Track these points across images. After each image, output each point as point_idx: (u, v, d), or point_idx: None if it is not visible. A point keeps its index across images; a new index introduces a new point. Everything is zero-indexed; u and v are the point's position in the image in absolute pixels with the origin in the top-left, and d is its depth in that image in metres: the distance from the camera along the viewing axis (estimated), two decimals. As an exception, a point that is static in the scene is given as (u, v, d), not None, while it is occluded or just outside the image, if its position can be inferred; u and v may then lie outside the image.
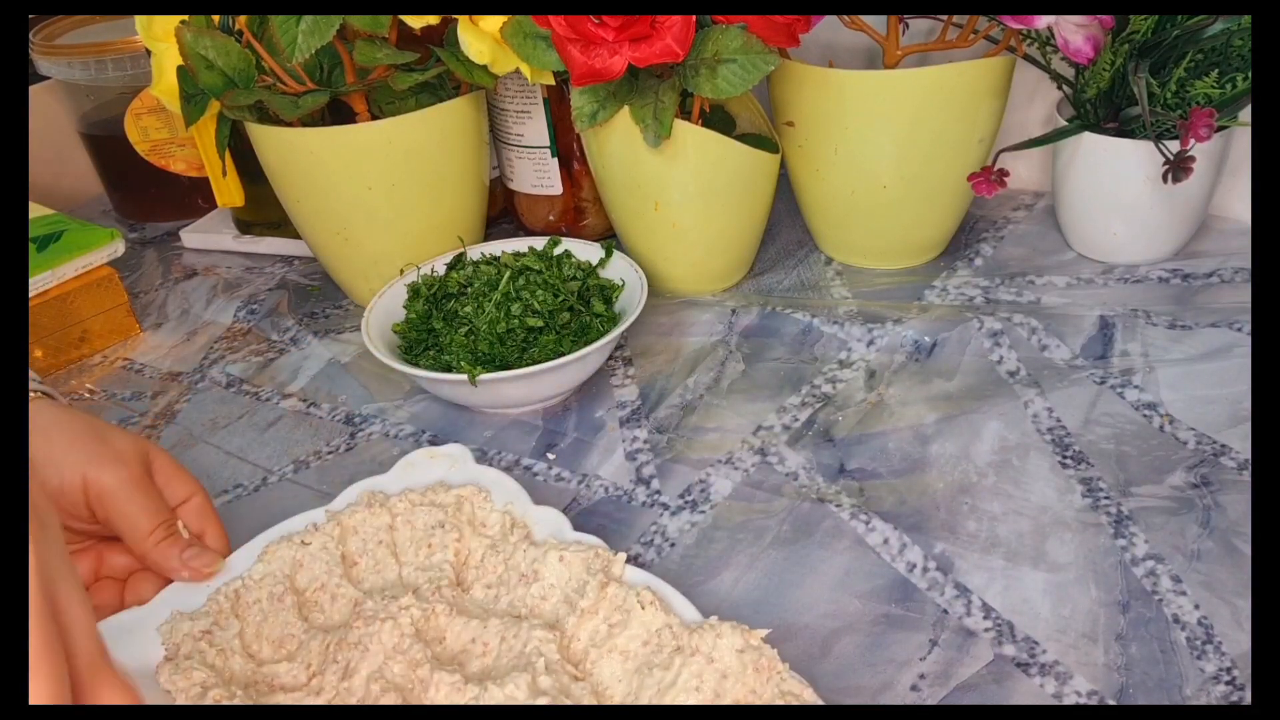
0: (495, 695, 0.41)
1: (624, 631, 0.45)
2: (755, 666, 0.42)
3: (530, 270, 0.68)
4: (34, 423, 0.45)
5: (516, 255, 0.70)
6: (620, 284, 0.69)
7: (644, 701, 0.42)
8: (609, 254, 0.70)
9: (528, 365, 0.61)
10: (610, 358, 0.70)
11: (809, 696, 0.41)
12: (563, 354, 0.62)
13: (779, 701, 0.41)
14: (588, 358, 0.62)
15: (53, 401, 0.47)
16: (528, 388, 0.63)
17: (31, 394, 0.47)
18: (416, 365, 0.63)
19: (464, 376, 0.60)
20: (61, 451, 0.45)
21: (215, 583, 0.48)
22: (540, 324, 0.64)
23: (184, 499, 0.50)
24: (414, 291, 0.69)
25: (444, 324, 0.66)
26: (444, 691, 0.42)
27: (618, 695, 0.43)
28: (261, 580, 0.48)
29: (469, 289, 0.67)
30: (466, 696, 0.42)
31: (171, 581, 0.48)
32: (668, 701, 0.42)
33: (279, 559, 0.49)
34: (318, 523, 0.51)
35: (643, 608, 0.45)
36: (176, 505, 0.49)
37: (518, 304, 0.65)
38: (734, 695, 0.42)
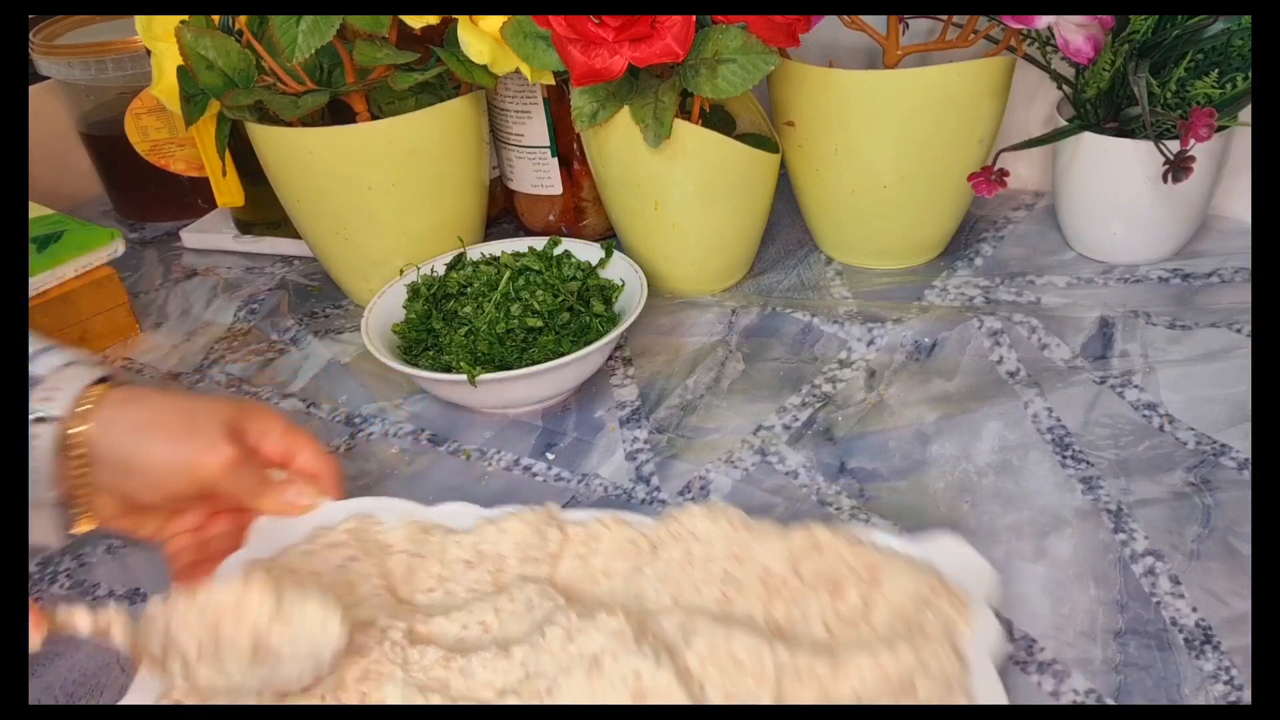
0: (555, 636, 0.43)
1: (597, 558, 0.48)
2: (730, 524, 0.48)
3: (530, 270, 0.68)
4: (129, 419, 0.47)
5: (516, 255, 0.70)
6: (620, 284, 0.69)
7: (650, 600, 0.46)
8: (609, 254, 0.70)
9: (527, 365, 0.61)
10: (610, 358, 0.70)
11: (771, 528, 0.48)
12: (562, 354, 0.62)
13: (761, 539, 0.47)
14: (588, 358, 0.62)
15: (128, 388, 0.49)
16: (527, 388, 0.63)
17: (99, 383, 0.48)
18: (416, 365, 0.63)
19: (463, 377, 0.60)
20: (161, 451, 0.48)
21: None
22: (540, 324, 0.64)
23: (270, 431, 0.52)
24: (414, 292, 0.69)
25: (444, 324, 0.66)
26: (493, 667, 0.43)
27: (621, 610, 0.44)
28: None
29: (469, 289, 0.67)
30: (516, 660, 0.43)
31: None
32: (671, 586, 0.47)
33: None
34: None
35: (608, 528, 0.48)
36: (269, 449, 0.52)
37: (517, 304, 0.65)
38: (722, 551, 0.47)
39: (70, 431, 0.46)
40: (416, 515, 0.52)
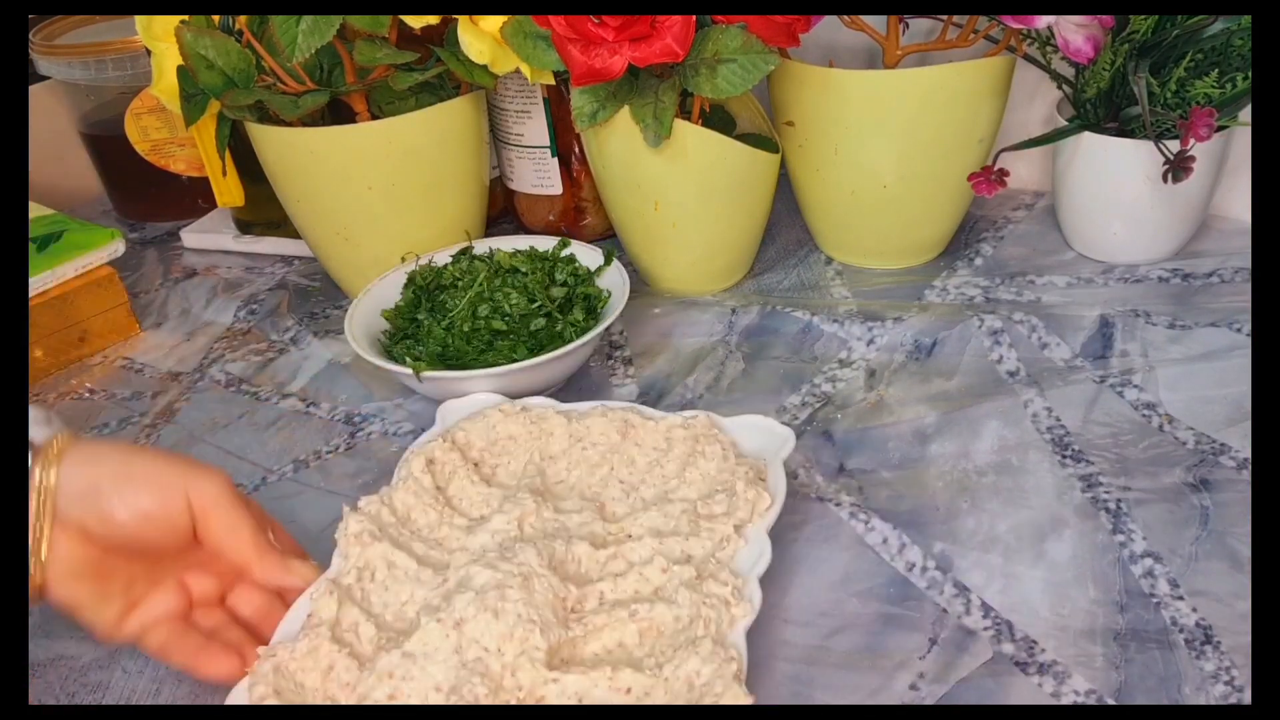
0: None
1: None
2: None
3: (518, 272, 0.67)
4: (108, 451, 0.46)
5: (513, 253, 0.69)
6: (606, 295, 0.67)
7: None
8: (608, 262, 0.69)
9: (480, 368, 0.61)
10: (610, 357, 0.70)
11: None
12: (515, 360, 0.62)
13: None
14: (539, 367, 0.61)
15: (114, 441, 0.49)
16: (474, 389, 0.62)
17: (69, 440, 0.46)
18: (393, 354, 0.64)
19: (409, 370, 0.61)
20: (159, 473, 0.46)
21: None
22: (504, 328, 0.64)
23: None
24: (410, 280, 0.69)
25: (429, 315, 0.66)
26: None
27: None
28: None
29: (459, 283, 0.67)
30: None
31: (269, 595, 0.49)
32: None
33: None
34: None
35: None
36: None
37: (487, 305, 0.65)
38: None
39: (36, 471, 0.43)
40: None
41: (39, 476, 0.43)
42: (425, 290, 0.68)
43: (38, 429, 0.45)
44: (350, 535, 0.50)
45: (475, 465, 0.56)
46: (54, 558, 0.43)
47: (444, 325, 0.64)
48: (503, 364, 0.61)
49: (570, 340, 0.63)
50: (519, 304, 0.65)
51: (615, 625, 0.45)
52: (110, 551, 0.45)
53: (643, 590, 0.47)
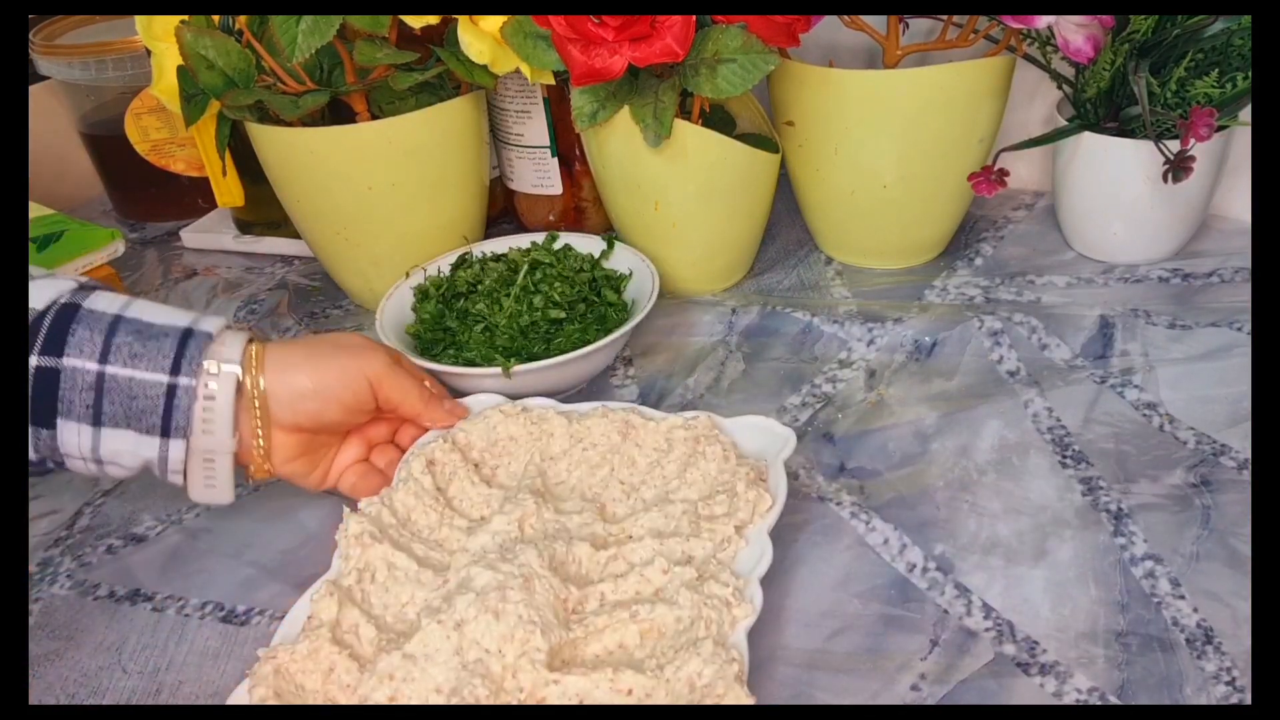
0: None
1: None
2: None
3: (542, 264, 0.68)
4: (293, 354, 0.54)
5: (525, 251, 0.70)
6: (628, 274, 0.69)
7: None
8: (611, 246, 0.71)
9: (555, 355, 0.62)
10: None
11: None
12: (589, 342, 0.63)
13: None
14: (616, 341, 0.63)
15: (285, 340, 0.56)
16: (558, 376, 0.63)
17: (257, 339, 0.54)
18: (439, 364, 0.64)
19: (496, 370, 0.61)
20: (333, 362, 0.55)
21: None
22: (562, 315, 0.65)
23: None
24: (423, 294, 0.69)
25: (459, 322, 0.66)
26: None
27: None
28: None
29: (479, 287, 0.68)
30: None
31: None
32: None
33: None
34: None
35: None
36: None
37: (538, 296, 0.66)
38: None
39: (246, 378, 0.52)
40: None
41: (249, 383, 0.52)
42: (445, 300, 0.68)
43: (211, 321, 0.52)
44: (351, 536, 0.50)
45: (476, 466, 0.56)
46: (275, 448, 0.54)
47: (480, 328, 0.65)
48: (576, 348, 0.62)
49: (615, 319, 0.66)
50: (565, 291, 0.66)
51: (616, 626, 0.45)
52: (315, 433, 0.55)
53: (644, 591, 0.47)
